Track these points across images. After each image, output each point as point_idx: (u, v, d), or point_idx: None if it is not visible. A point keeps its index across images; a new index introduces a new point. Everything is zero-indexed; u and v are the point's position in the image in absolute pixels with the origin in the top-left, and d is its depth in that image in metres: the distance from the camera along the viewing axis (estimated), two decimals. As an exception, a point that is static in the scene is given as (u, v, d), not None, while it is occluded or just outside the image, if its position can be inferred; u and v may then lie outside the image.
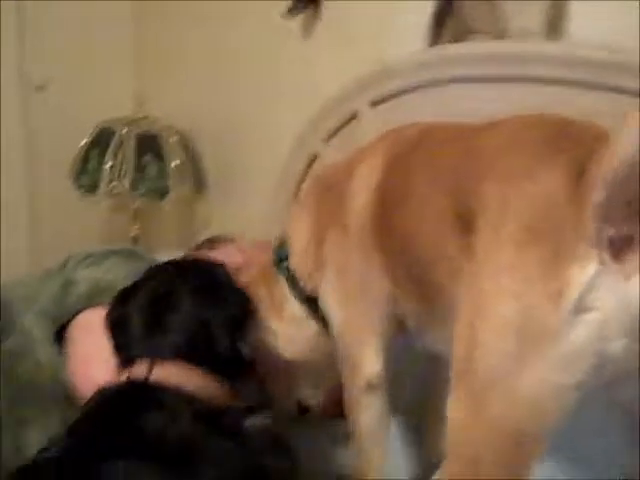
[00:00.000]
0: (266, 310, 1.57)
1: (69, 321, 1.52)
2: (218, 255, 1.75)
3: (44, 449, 1.23)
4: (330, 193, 1.49)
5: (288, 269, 1.55)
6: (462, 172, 1.15)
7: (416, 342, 1.41)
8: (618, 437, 1.22)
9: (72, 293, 1.56)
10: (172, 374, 1.27)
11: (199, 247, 2.04)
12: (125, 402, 1.22)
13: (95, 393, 1.28)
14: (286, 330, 1.57)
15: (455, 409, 1.03)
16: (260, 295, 1.58)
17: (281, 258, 1.57)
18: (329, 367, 1.54)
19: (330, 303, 1.47)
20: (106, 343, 1.41)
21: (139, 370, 1.28)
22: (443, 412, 1.58)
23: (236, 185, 2.70)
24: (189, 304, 1.34)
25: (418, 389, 1.67)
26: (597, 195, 0.90)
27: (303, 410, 1.65)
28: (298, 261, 1.54)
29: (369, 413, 1.43)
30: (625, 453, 1.21)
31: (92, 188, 2.66)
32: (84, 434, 1.19)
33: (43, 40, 2.79)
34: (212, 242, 1.93)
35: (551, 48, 1.74)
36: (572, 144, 1.03)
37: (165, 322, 1.32)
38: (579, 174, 0.97)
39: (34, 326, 1.55)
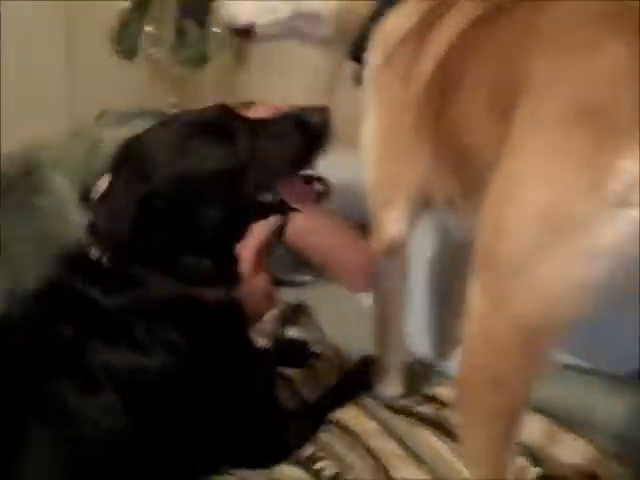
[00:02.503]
0: None
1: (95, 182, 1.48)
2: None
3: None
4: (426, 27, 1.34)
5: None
6: (516, 48, 1.07)
7: (444, 222, 1.38)
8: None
9: (99, 154, 1.52)
10: None
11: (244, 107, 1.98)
12: None
13: None
14: None
15: (476, 298, 1.00)
16: None
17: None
18: None
19: (368, 154, 1.41)
20: None
21: None
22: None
23: (278, 55, 2.62)
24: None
25: (444, 266, 1.66)
26: None
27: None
28: (389, 30, 1.38)
29: (387, 275, 1.42)
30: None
31: (131, 53, 2.61)
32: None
33: None
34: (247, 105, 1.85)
35: None
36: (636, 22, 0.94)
37: None
38: None
39: (64, 187, 1.54)
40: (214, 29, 2.58)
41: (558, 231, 0.91)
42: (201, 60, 2.59)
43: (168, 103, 2.74)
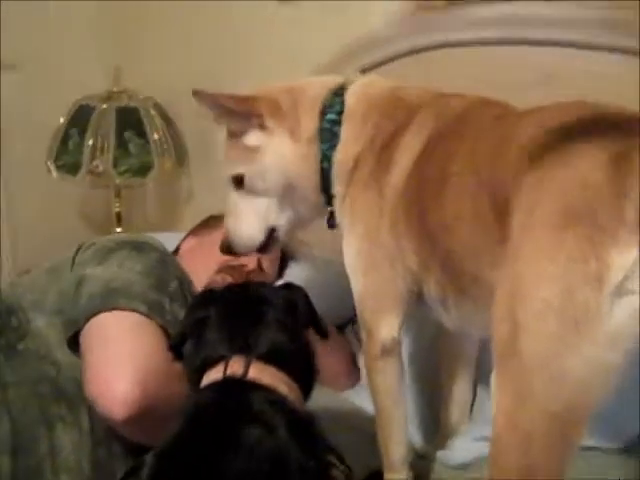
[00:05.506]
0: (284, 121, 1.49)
1: (83, 325, 1.45)
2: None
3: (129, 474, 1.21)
4: (381, 143, 1.43)
5: (331, 130, 1.47)
6: (498, 163, 1.16)
7: (435, 318, 1.42)
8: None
9: (83, 293, 1.48)
10: (266, 375, 1.21)
11: (203, 225, 2.01)
12: (221, 415, 1.16)
13: (188, 404, 1.21)
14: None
15: (501, 394, 1.05)
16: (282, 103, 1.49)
17: (327, 113, 1.48)
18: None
19: (353, 265, 1.46)
20: (126, 349, 1.37)
21: (235, 367, 1.21)
22: (457, 384, 1.62)
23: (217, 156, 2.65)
24: (278, 307, 1.30)
25: (432, 359, 1.70)
26: None
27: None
28: (343, 160, 1.47)
29: (385, 376, 1.45)
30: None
31: (74, 168, 2.59)
32: (176, 457, 1.12)
33: (12, 18, 2.67)
34: (216, 220, 1.88)
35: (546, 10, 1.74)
36: (608, 128, 1.04)
37: (258, 321, 1.27)
38: (616, 158, 0.98)
39: (48, 330, 1.51)
40: (154, 136, 2.62)
41: (572, 322, 0.98)
42: (144, 169, 2.61)
43: (113, 212, 2.75)
